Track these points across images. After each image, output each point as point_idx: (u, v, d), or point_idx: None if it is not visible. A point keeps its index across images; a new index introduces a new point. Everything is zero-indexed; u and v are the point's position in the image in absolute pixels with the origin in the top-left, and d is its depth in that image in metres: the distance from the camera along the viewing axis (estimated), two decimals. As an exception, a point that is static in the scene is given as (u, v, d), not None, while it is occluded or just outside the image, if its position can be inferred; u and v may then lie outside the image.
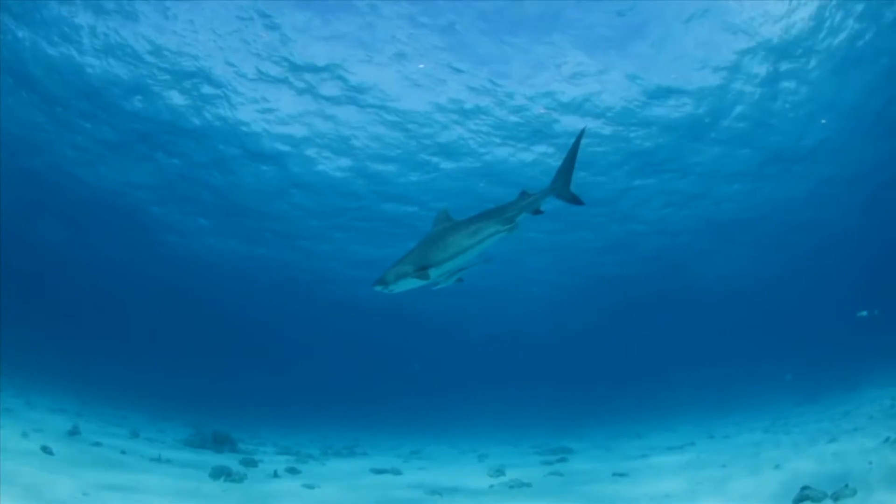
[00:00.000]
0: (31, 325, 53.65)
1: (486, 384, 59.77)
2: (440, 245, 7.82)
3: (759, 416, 21.20)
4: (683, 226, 31.28)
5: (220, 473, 10.79)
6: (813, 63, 18.91)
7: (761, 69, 19.14)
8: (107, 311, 54.33)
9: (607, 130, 21.86)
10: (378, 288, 7.69)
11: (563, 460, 15.47)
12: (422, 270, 7.61)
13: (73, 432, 14.08)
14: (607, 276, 38.85)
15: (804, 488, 7.05)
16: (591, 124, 21.19)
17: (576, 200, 8.28)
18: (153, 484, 9.42)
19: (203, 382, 50.67)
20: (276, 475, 11.87)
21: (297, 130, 22.50)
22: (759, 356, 48.85)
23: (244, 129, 22.49)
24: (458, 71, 19.10)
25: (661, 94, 20.12)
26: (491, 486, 11.01)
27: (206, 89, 20.38)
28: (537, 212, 8.23)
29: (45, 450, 10.17)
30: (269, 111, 21.46)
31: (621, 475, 11.42)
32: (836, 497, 6.89)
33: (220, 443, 15.95)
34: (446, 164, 24.24)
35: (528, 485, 10.85)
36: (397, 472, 13.55)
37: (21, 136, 24.43)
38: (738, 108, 21.07)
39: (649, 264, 36.49)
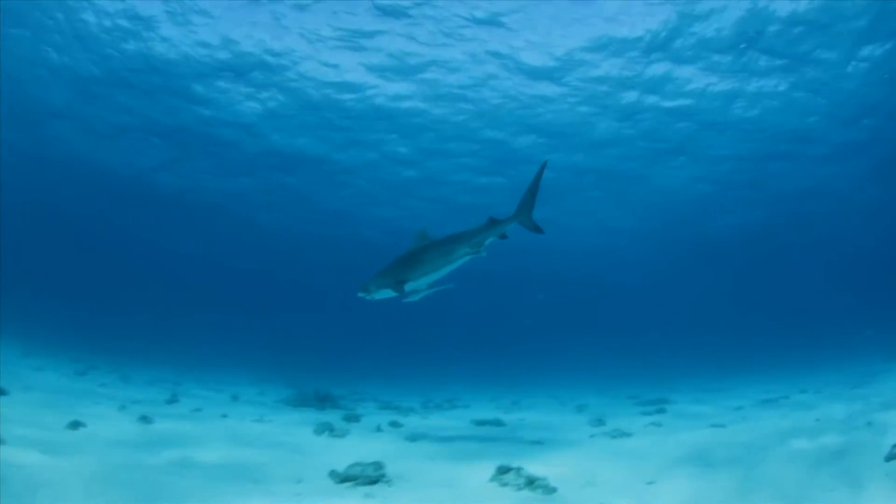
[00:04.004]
0: (124, 304, 55.98)
1: (584, 334, 59.54)
2: (416, 262, 8.77)
3: (849, 372, 19.99)
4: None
5: (323, 429, 10.36)
6: None
7: None
8: (202, 279, 56.07)
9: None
10: (361, 294, 8.77)
11: (661, 411, 14.94)
12: (399, 283, 8.60)
13: (172, 401, 13.93)
14: (706, 232, 38.58)
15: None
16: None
17: (537, 229, 9.20)
18: (256, 442, 9.08)
19: (301, 343, 51.66)
20: (379, 429, 11.41)
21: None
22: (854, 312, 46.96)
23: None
24: None
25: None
26: (592, 436, 10.58)
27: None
28: (503, 236, 9.06)
29: (144, 419, 9.89)
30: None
31: (719, 426, 10.82)
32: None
33: (322, 400, 15.69)
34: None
35: (629, 434, 10.42)
36: (499, 424, 13.11)
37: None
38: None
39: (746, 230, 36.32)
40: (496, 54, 20.39)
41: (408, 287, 8.72)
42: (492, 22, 18.83)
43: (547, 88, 22.19)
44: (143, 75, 22.86)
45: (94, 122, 27.60)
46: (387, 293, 8.74)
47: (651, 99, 22.56)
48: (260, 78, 22.47)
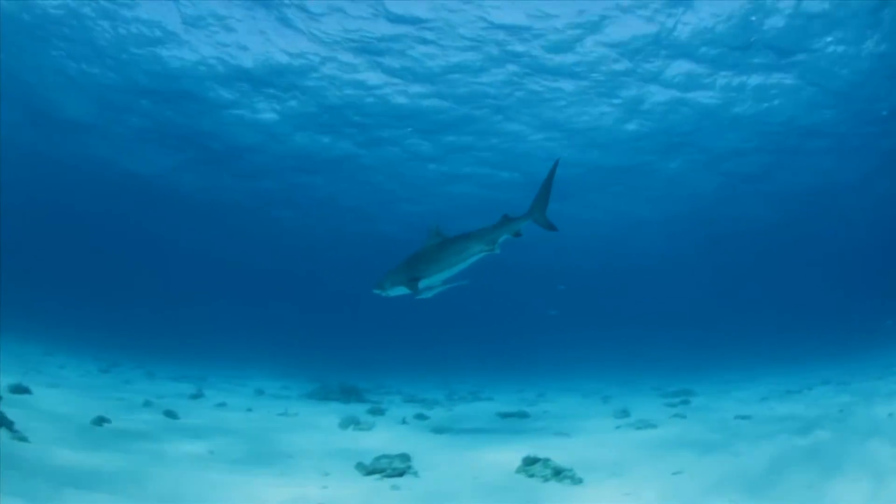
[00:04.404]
0: (147, 302, 56.67)
1: (606, 327, 59.40)
2: (430, 259, 8.85)
3: (871, 363, 19.84)
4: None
5: (348, 423, 10.38)
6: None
7: None
8: (224, 277, 56.55)
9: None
10: (376, 291, 8.89)
11: (685, 402, 14.88)
12: (412, 281, 8.67)
13: (197, 396, 14.03)
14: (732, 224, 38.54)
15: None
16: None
17: (550, 227, 9.23)
18: (282, 436, 9.13)
19: (324, 338, 51.92)
20: (404, 422, 11.44)
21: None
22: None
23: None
24: None
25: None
26: (617, 427, 10.53)
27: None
28: (517, 234, 9.09)
29: (169, 414, 9.94)
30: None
31: (744, 417, 10.75)
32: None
33: (347, 394, 15.78)
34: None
35: (654, 426, 10.32)
36: (523, 415, 13.12)
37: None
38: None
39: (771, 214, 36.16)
40: (514, 54, 20.37)
41: (421, 284, 8.78)
42: (511, 26, 18.90)
43: (565, 84, 22.11)
44: (163, 82, 23.23)
45: (115, 126, 28.08)
46: (401, 290, 8.81)
47: (667, 93, 22.44)
48: (280, 82, 22.69)
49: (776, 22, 17.90)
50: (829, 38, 18.72)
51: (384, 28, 19.05)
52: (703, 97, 22.54)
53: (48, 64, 22.73)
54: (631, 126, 24.98)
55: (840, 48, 19.14)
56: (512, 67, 21.08)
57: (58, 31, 20.52)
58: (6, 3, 19.00)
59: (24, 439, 6.06)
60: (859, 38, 18.63)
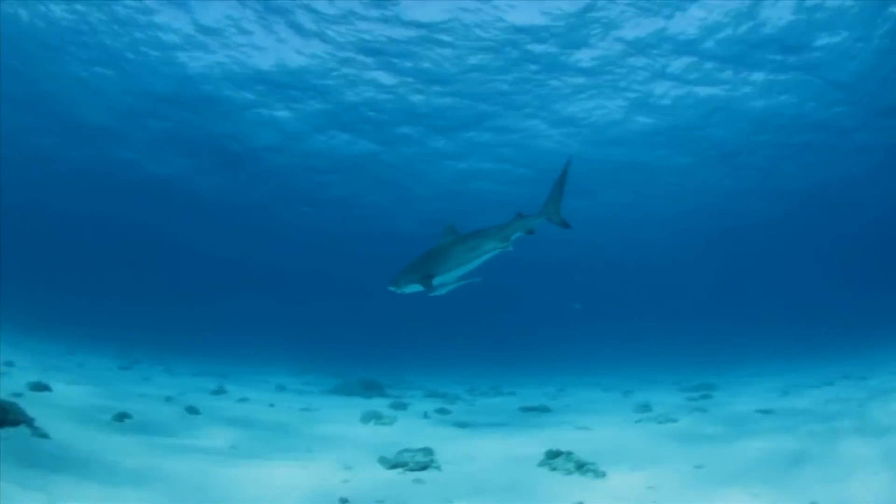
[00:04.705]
0: (167, 301, 57.23)
1: (627, 322, 59.22)
2: (444, 257, 8.94)
3: (891, 359, 19.65)
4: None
5: (370, 417, 10.46)
6: None
7: None
8: (244, 275, 56.96)
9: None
10: (392, 288, 8.96)
11: (706, 396, 14.91)
12: (426, 278, 8.77)
13: (219, 391, 14.10)
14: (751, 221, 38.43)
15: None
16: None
17: (564, 224, 9.32)
18: (304, 430, 9.20)
19: (344, 334, 52.12)
20: (426, 416, 11.49)
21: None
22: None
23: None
24: None
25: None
26: (638, 422, 10.55)
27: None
28: (530, 232, 9.21)
29: (191, 410, 9.98)
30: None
31: (765, 412, 10.75)
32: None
33: (368, 389, 15.83)
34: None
35: (675, 420, 10.35)
36: (545, 410, 13.16)
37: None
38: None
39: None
40: (530, 55, 20.37)
41: (435, 281, 8.87)
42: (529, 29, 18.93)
43: (580, 80, 22.08)
44: (181, 86, 23.58)
45: (135, 131, 28.58)
46: (415, 287, 8.90)
47: (679, 89, 22.39)
48: (297, 83, 22.90)
49: (782, 15, 17.79)
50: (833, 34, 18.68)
51: (400, 31, 19.21)
52: (712, 92, 22.47)
53: (65, 71, 23.12)
54: (644, 120, 24.95)
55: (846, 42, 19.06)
56: (528, 66, 21.09)
57: (74, 39, 20.84)
58: (22, 13, 19.33)
59: (44, 435, 6.04)
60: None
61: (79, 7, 18.94)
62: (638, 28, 18.65)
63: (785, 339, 36.25)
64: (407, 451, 6.78)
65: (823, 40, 18.95)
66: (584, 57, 20.41)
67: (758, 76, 21.34)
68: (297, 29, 19.27)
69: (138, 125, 27.89)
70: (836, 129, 25.41)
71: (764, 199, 34.67)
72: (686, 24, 18.29)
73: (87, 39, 20.81)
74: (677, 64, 20.61)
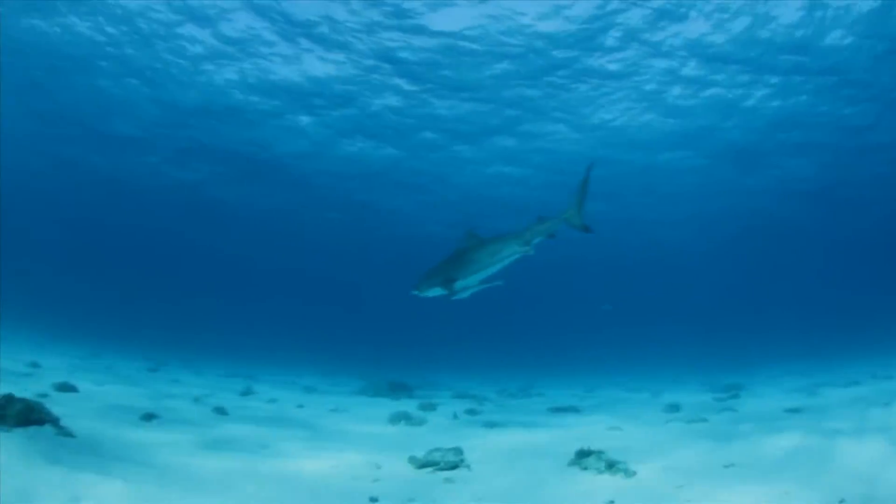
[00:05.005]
0: (195, 304, 57.79)
1: (656, 323, 58.83)
2: (465, 261, 9.01)
3: None
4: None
5: (399, 418, 10.50)
6: None
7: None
8: (274, 281, 57.33)
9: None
10: (414, 292, 9.06)
11: (735, 396, 14.87)
12: (448, 282, 8.86)
13: (247, 393, 14.24)
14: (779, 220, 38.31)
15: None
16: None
17: (586, 229, 9.25)
18: (334, 430, 9.28)
19: (371, 336, 52.27)
20: (455, 417, 11.52)
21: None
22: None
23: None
24: None
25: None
26: (668, 422, 10.52)
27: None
28: (551, 236, 9.22)
29: (219, 410, 10.09)
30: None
31: (794, 411, 10.76)
32: None
33: (396, 390, 15.90)
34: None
35: (704, 419, 10.35)
36: (576, 411, 13.16)
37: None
38: None
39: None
40: (554, 60, 20.50)
41: (457, 285, 8.96)
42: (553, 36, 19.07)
43: (604, 88, 22.15)
44: (207, 96, 24.05)
45: (165, 141, 29.24)
46: (437, 291, 9.00)
47: (704, 92, 22.44)
48: (322, 91, 23.31)
49: (794, 17, 17.84)
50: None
51: (423, 40, 19.55)
52: (732, 95, 22.58)
53: (92, 84, 23.84)
54: (668, 123, 24.95)
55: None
56: (552, 71, 21.28)
57: (100, 52, 21.45)
58: (52, 31, 20.02)
59: (69, 434, 6.04)
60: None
61: (106, 27, 19.72)
62: (659, 31, 18.74)
63: (811, 339, 35.91)
64: (437, 450, 6.82)
65: (835, 41, 18.87)
66: (605, 61, 20.53)
67: (773, 78, 21.37)
68: (320, 40, 19.61)
69: (163, 135, 28.56)
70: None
71: (789, 198, 34.35)
72: (703, 26, 18.37)
73: (113, 51, 21.31)
74: (692, 66, 20.68)
